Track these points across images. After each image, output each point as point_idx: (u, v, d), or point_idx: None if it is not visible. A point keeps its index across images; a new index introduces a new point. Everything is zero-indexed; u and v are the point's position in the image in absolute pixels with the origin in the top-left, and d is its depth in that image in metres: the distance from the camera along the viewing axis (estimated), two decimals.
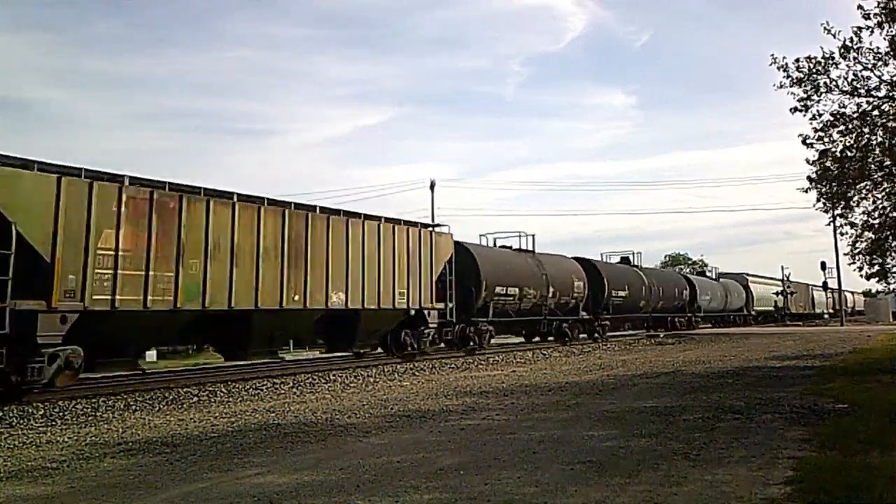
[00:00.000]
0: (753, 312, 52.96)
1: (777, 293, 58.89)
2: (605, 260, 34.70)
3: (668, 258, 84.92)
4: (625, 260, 35.94)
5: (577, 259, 29.86)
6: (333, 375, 15.06)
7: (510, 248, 26.16)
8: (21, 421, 9.50)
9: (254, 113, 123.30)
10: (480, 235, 26.37)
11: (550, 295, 25.63)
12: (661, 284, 36.26)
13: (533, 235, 26.85)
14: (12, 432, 8.55)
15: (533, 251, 26.50)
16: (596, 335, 29.81)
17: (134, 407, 10.81)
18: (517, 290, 23.66)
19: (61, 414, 10.08)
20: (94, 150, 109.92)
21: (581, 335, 28.92)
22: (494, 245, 26.21)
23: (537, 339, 27.42)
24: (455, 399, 10.67)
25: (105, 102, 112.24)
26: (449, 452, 6.48)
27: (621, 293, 31.25)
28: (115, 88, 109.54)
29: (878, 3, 12.54)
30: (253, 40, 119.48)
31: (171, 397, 11.84)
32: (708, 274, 52.29)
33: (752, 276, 56.38)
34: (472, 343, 21.88)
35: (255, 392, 12.56)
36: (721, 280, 49.03)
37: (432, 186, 43.50)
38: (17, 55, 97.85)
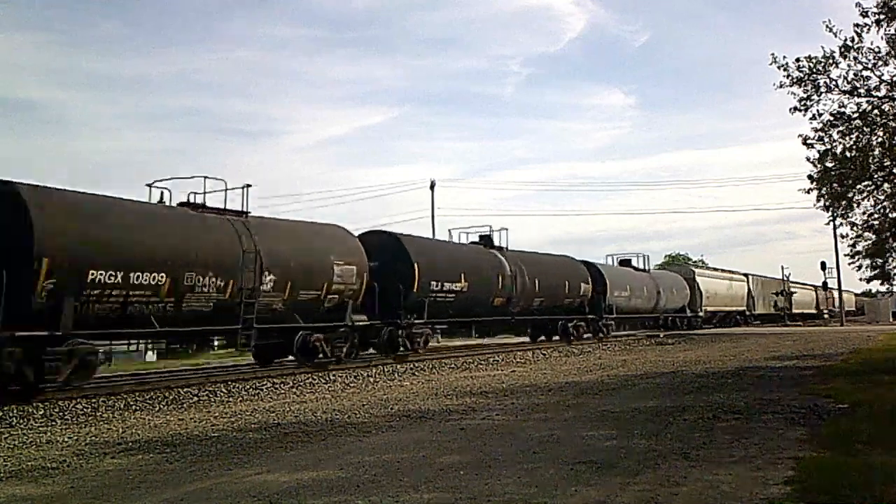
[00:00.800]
0: (701, 313, 42.64)
1: (778, 293, 57.93)
2: (452, 239, 24.57)
3: (668, 258, 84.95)
4: (485, 240, 25.03)
5: (369, 234, 19.57)
6: (333, 375, 15.05)
7: (198, 205, 14.72)
8: (21, 421, 9.50)
9: (254, 113, 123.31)
10: (148, 185, 14.37)
11: (268, 288, 14.85)
12: (538, 275, 25.31)
13: (246, 187, 15.40)
14: (12, 432, 8.55)
15: (241, 212, 15.32)
16: (402, 350, 18.79)
17: (134, 407, 10.81)
18: (164, 277, 12.67)
19: (61, 414, 10.08)
20: (95, 150, 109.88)
21: (370, 351, 18.89)
22: (161, 201, 14.47)
23: (291, 357, 16.77)
24: (455, 399, 10.67)
25: (106, 102, 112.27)
26: (449, 452, 6.48)
27: (454, 286, 20.53)
28: (116, 88, 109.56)
29: (878, 1, 12.52)
30: (254, 41, 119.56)
31: (171, 397, 11.84)
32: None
33: (704, 268, 49.19)
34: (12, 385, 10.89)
35: (255, 392, 12.55)
36: (652, 272, 38.47)
37: (432, 186, 43.54)
38: (18, 55, 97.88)
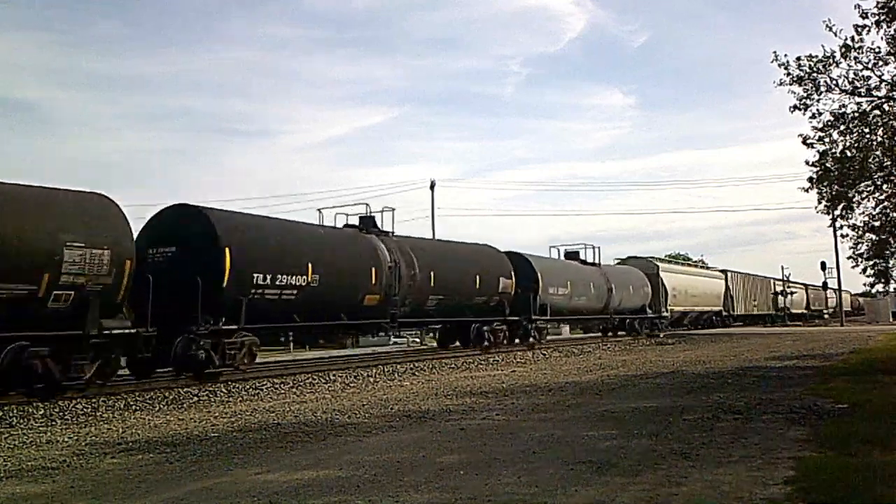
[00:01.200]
0: (666, 314, 37.04)
1: (778, 292, 57.46)
2: (323, 221, 19.23)
3: (667, 258, 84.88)
4: (364, 222, 19.42)
5: (169, 209, 14.67)
6: (333, 375, 15.05)
7: None
8: (21, 421, 9.50)
9: (254, 113, 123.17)
10: None
11: None
12: (435, 267, 20.19)
13: None
14: (12, 432, 8.55)
15: None
16: (211, 368, 13.79)
17: (134, 407, 10.81)
18: None
19: (61, 414, 10.07)
20: (95, 150, 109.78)
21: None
22: None
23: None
24: (455, 399, 10.67)
25: (105, 102, 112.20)
26: (449, 452, 6.48)
27: (295, 280, 15.41)
28: (116, 88, 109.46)
29: (877, 2, 12.52)
30: (253, 41, 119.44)
31: (171, 397, 11.84)
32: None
33: (672, 263, 42.47)
34: None
35: (255, 392, 12.56)
36: (604, 267, 32.12)
37: (432, 186, 43.41)
38: (18, 55, 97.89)
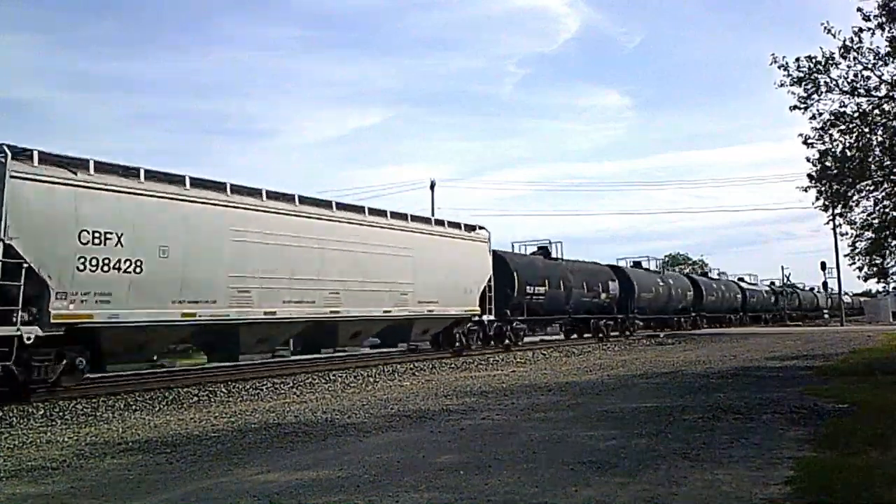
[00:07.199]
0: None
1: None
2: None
3: (667, 258, 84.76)
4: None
5: None
6: (333, 375, 15.04)
7: None
8: (21, 421, 9.50)
9: (253, 114, 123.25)
10: None
11: None
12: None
13: None
14: (12, 432, 8.54)
15: None
16: None
17: (134, 407, 10.80)
18: None
19: (61, 414, 10.07)
20: (94, 150, 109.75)
21: None
22: None
23: None
24: (455, 399, 10.66)
25: (105, 102, 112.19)
26: (449, 452, 6.48)
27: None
28: (115, 88, 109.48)
29: (878, 3, 12.51)
30: (252, 42, 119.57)
31: (171, 397, 11.84)
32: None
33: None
34: None
35: (255, 392, 12.55)
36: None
37: (432, 186, 43.35)
38: (17, 55, 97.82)
